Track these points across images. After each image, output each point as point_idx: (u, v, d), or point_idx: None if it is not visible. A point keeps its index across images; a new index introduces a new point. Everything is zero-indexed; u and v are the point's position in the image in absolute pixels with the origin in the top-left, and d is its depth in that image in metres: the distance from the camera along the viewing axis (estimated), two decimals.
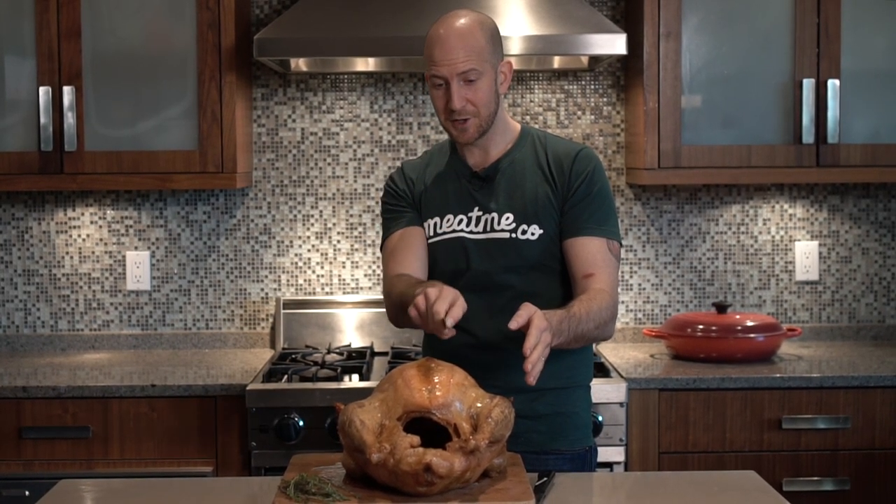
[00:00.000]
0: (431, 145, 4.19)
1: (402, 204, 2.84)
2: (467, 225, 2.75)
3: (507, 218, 2.71)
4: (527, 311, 2.33)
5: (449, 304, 2.34)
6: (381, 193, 4.17)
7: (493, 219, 2.72)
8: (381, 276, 2.91)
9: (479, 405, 2.23)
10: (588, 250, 2.68)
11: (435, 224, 2.79)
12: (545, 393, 2.67)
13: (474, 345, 2.69)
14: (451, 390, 2.21)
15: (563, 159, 2.74)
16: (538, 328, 2.31)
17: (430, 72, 2.67)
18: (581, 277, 2.67)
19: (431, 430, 2.20)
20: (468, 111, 2.65)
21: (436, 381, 2.21)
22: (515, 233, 2.70)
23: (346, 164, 4.22)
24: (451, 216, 2.77)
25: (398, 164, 4.20)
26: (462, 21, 2.66)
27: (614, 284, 2.68)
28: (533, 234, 2.70)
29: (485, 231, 2.73)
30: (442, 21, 2.69)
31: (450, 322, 2.32)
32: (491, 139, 2.75)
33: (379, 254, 4.21)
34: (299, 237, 4.23)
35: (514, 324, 2.31)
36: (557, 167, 2.73)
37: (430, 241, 2.79)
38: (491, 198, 2.74)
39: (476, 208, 2.75)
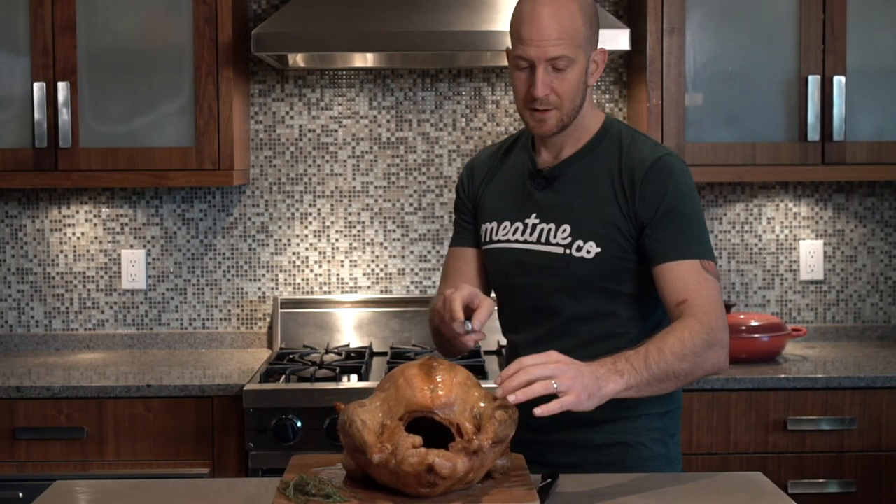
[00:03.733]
0: (432, 143, 4.15)
1: (463, 209, 2.66)
2: (521, 234, 2.52)
3: (564, 231, 2.46)
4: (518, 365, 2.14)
5: (465, 301, 2.24)
6: (379, 191, 4.17)
7: (549, 230, 2.48)
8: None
9: (482, 405, 2.18)
10: (677, 275, 2.38)
11: (491, 230, 2.57)
12: (603, 423, 2.47)
13: None
14: (453, 390, 2.17)
15: (635, 170, 2.43)
16: (521, 361, 2.14)
17: (515, 52, 2.40)
18: (674, 306, 2.37)
19: (433, 430, 2.15)
20: (550, 101, 2.40)
21: (438, 380, 2.17)
22: (569, 248, 2.45)
23: (345, 161, 4.18)
24: (507, 223, 2.55)
25: (397, 161, 4.16)
26: None
27: (712, 307, 2.36)
28: (588, 251, 2.44)
29: (538, 242, 2.49)
30: None
31: (477, 325, 2.24)
32: (569, 135, 2.49)
33: (378, 252, 4.18)
34: (297, 235, 4.19)
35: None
36: (629, 178, 2.44)
37: (485, 247, 2.60)
38: (550, 204, 2.50)
39: (534, 215, 2.51)
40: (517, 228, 2.53)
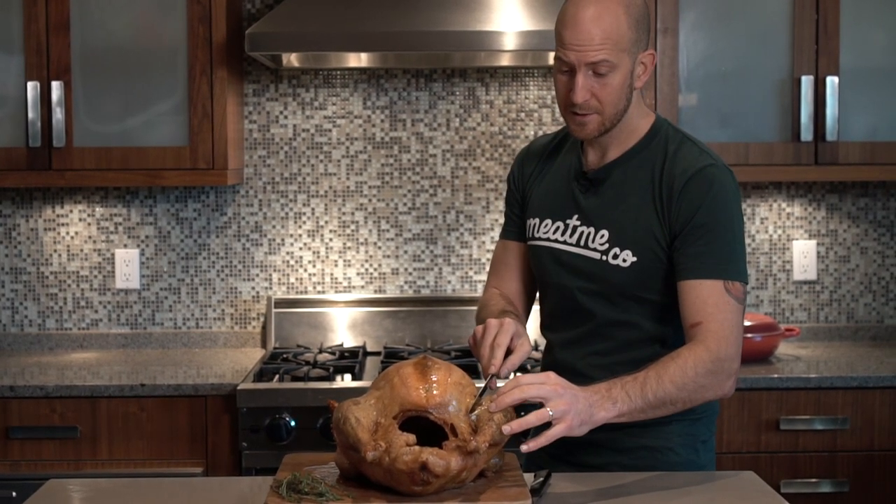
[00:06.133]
0: (426, 143, 4.15)
1: (513, 201, 2.63)
2: (562, 234, 2.48)
3: (602, 236, 2.42)
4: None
5: (503, 345, 2.25)
6: (373, 191, 4.16)
7: (589, 234, 2.44)
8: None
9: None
10: (697, 295, 2.31)
11: (534, 226, 2.55)
12: (632, 426, 2.38)
13: (559, 373, 2.29)
14: (448, 389, 2.17)
15: (675, 178, 2.36)
16: (518, 379, 2.14)
17: (557, 54, 2.34)
18: (688, 327, 2.32)
19: (427, 430, 2.15)
20: (591, 106, 2.34)
21: (433, 379, 2.17)
22: (606, 255, 2.41)
23: (339, 161, 4.18)
24: (549, 221, 2.51)
25: (391, 161, 4.16)
26: None
27: (726, 334, 2.29)
28: (624, 260, 2.39)
29: (577, 245, 2.45)
30: None
31: (503, 373, 2.25)
32: (614, 137, 2.42)
33: (371, 252, 4.17)
34: (291, 235, 4.18)
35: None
36: (668, 187, 2.37)
37: (528, 242, 2.58)
38: (592, 207, 2.45)
39: (575, 216, 2.47)
40: (558, 228, 2.49)
